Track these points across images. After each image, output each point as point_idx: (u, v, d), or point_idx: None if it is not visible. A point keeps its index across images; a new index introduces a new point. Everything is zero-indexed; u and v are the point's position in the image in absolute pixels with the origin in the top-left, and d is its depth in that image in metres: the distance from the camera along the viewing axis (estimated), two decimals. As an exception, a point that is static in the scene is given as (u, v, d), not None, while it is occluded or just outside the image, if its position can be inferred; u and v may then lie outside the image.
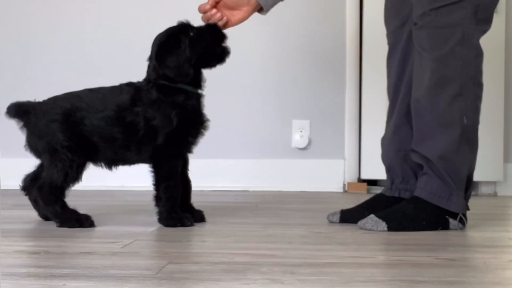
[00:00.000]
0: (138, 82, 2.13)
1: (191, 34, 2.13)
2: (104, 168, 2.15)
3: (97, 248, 1.65)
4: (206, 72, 3.51)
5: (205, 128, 2.16)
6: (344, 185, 3.61)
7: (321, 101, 3.62)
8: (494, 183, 3.64)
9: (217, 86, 3.64)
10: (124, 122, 2.06)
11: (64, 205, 2.02)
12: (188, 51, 2.09)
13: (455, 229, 2.03)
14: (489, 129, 3.60)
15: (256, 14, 2.26)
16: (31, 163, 2.11)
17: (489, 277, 1.35)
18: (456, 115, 2.02)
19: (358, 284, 1.25)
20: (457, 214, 2.05)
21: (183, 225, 2.06)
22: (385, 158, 2.29)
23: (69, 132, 2.04)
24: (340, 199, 3.20)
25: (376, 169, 3.54)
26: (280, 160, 3.62)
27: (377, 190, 3.64)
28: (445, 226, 2.04)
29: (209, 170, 3.61)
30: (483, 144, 3.57)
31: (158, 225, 2.07)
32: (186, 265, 1.42)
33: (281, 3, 2.27)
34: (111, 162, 2.13)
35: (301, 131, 3.62)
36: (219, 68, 3.61)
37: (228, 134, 3.65)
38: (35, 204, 2.10)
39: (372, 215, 2.05)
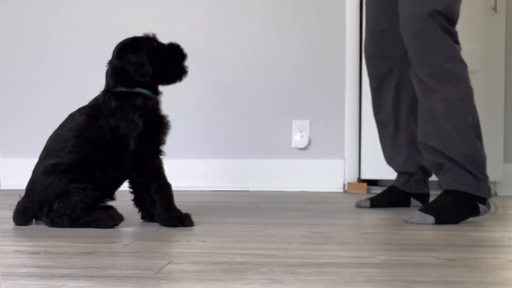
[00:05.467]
0: (92, 100, 2.13)
1: (154, 44, 2.15)
2: (108, 199, 2.16)
3: (97, 248, 1.65)
4: (207, 73, 3.52)
5: (167, 127, 2.14)
6: (344, 185, 3.61)
7: (321, 101, 3.62)
8: (494, 183, 3.63)
9: (217, 86, 3.65)
10: (92, 140, 2.05)
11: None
12: (147, 58, 2.11)
13: (485, 213, 2.24)
14: (489, 129, 3.59)
15: None
16: (31, 163, 2.11)
17: (489, 277, 1.35)
18: (466, 119, 2.24)
19: (358, 284, 1.25)
20: (485, 199, 2.24)
21: (183, 225, 2.05)
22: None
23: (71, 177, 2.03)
24: (340, 199, 3.20)
25: (376, 169, 3.55)
26: (280, 160, 3.62)
27: (377, 190, 3.64)
28: (478, 212, 2.23)
29: (209, 170, 3.61)
30: (483, 144, 3.59)
31: (158, 225, 2.07)
32: (186, 265, 1.42)
33: None
34: (109, 187, 2.13)
35: (301, 131, 3.62)
36: (219, 69, 3.63)
37: (228, 134, 3.65)
38: None
39: (417, 211, 2.23)
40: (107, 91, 2.13)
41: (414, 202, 2.73)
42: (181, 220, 2.07)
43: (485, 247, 1.76)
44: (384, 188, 2.86)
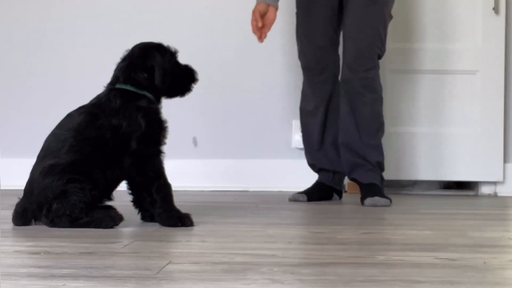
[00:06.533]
0: (93, 99, 2.13)
1: (173, 60, 2.19)
2: (106, 199, 2.15)
3: (97, 248, 1.65)
4: (207, 73, 3.52)
5: (167, 132, 2.14)
6: (344, 185, 3.60)
7: (321, 101, 3.61)
8: (494, 183, 3.63)
9: (217, 86, 3.65)
10: (91, 140, 2.04)
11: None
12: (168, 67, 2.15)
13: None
14: (489, 129, 3.60)
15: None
16: (31, 163, 2.11)
17: (489, 277, 1.35)
18: (380, 134, 3.07)
19: (358, 284, 1.25)
20: None
21: (183, 225, 2.05)
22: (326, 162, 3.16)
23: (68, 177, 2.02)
24: (340, 199, 3.20)
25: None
26: (280, 160, 3.62)
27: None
28: None
29: (209, 170, 3.61)
30: (483, 144, 3.59)
31: (158, 225, 2.07)
32: (186, 265, 1.42)
33: None
34: (107, 188, 2.12)
35: (301, 131, 3.61)
36: (219, 69, 3.63)
37: (228, 134, 3.65)
38: None
39: (376, 197, 2.87)
40: (112, 88, 2.12)
41: (334, 196, 3.21)
42: (181, 220, 2.06)
43: (485, 247, 1.76)
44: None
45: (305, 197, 3.07)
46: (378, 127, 3.03)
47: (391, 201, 2.89)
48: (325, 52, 3.09)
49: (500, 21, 3.59)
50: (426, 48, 3.62)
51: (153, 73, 2.12)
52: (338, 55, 3.14)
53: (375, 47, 2.98)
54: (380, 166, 3.03)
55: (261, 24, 2.99)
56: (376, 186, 2.97)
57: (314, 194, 3.11)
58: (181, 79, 2.21)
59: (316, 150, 3.16)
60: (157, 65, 2.12)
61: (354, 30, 2.99)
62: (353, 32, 2.99)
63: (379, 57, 3.03)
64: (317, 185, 3.16)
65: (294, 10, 3.58)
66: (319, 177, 3.18)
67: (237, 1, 3.66)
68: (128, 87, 2.11)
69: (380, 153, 3.04)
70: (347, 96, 3.02)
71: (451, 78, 3.62)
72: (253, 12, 3.00)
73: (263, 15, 3.00)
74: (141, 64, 2.12)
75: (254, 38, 3.62)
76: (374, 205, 2.84)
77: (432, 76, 3.62)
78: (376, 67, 3.01)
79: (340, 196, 3.22)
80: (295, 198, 3.08)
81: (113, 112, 2.06)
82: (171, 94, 2.23)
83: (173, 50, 2.20)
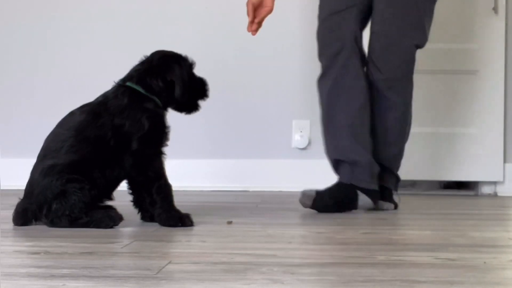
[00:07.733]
0: (99, 97, 2.13)
1: (190, 72, 2.20)
2: (106, 199, 2.14)
3: (97, 248, 1.65)
4: (207, 73, 3.52)
5: (168, 136, 2.15)
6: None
7: (321, 101, 3.61)
8: (494, 183, 3.64)
9: (217, 86, 3.65)
10: (91, 140, 2.04)
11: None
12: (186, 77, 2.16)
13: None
14: (489, 129, 3.60)
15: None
16: (31, 163, 2.11)
17: (489, 277, 1.35)
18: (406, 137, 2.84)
19: (358, 284, 1.25)
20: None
21: (183, 225, 2.05)
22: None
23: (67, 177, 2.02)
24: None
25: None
26: (280, 160, 3.62)
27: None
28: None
29: (209, 170, 3.61)
30: (483, 144, 3.60)
31: (158, 225, 2.07)
32: (186, 265, 1.42)
33: None
34: (107, 188, 2.11)
35: (301, 131, 3.62)
36: (219, 69, 3.63)
37: (228, 134, 3.65)
38: None
39: (380, 201, 2.67)
40: (121, 85, 2.12)
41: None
42: (181, 220, 2.06)
43: (485, 247, 1.76)
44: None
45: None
46: (403, 133, 2.74)
47: (396, 205, 2.72)
48: (338, 18, 2.70)
49: (500, 21, 3.59)
50: (426, 48, 3.59)
51: (170, 85, 2.13)
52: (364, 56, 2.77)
53: (407, 38, 2.64)
54: (398, 168, 2.80)
55: (252, 18, 2.71)
56: (386, 190, 2.73)
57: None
58: (193, 94, 2.21)
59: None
60: (177, 79, 2.12)
61: (382, 21, 2.66)
62: (380, 23, 2.66)
63: (418, 46, 2.68)
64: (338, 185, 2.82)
65: (295, 9, 3.60)
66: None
67: (237, 1, 3.66)
68: (139, 88, 2.11)
69: (401, 157, 2.78)
70: (371, 101, 2.71)
71: (451, 78, 3.62)
72: (246, 4, 2.74)
73: (257, 7, 2.71)
74: (160, 73, 2.12)
75: (254, 38, 3.63)
76: (386, 208, 2.68)
77: (432, 76, 3.62)
78: (407, 62, 2.68)
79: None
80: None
81: (118, 110, 2.06)
82: (180, 109, 2.23)
83: (190, 61, 2.20)
